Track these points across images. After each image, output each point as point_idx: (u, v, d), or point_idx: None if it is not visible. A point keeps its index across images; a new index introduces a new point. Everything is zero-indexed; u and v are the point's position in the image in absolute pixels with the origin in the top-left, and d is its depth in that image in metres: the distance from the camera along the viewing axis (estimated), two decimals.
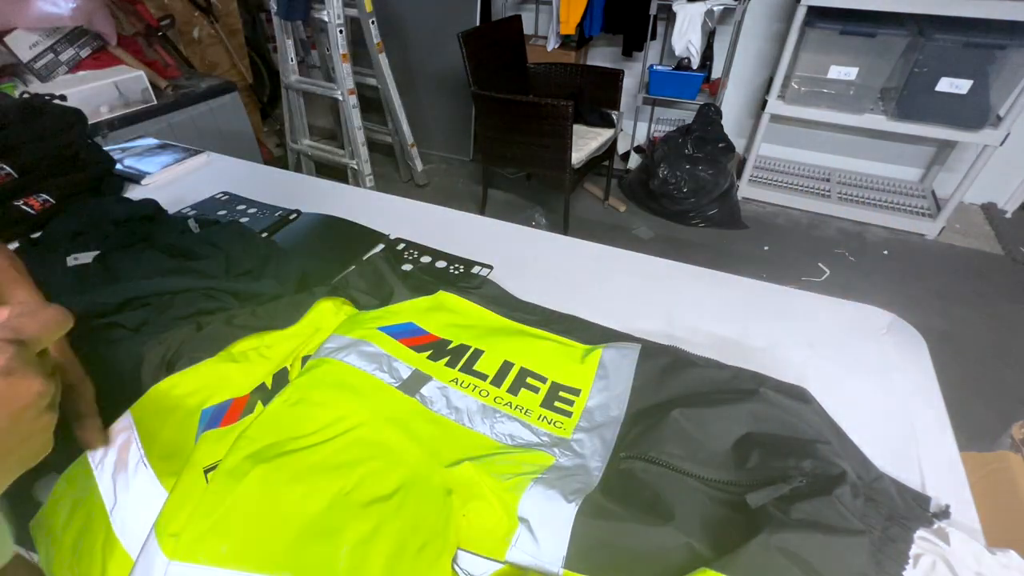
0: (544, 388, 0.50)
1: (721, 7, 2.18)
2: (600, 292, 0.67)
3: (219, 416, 0.45)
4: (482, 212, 2.29)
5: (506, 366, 0.52)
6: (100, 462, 0.40)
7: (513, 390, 0.50)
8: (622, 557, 0.34)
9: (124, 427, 0.42)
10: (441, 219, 0.83)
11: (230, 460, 0.38)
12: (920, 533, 0.34)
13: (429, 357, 0.52)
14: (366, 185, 2.31)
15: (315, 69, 2.60)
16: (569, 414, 0.48)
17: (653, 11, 2.23)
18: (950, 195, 2.08)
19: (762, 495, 0.34)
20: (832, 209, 2.30)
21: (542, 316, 0.60)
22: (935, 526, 0.36)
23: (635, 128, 2.67)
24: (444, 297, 0.60)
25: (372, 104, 2.46)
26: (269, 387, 0.48)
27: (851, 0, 1.86)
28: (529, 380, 0.51)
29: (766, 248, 2.15)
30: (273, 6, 2.03)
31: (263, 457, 0.38)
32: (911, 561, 0.33)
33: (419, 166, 2.54)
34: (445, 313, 0.58)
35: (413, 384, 0.48)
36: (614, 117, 2.14)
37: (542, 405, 0.48)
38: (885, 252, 2.11)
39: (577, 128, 1.96)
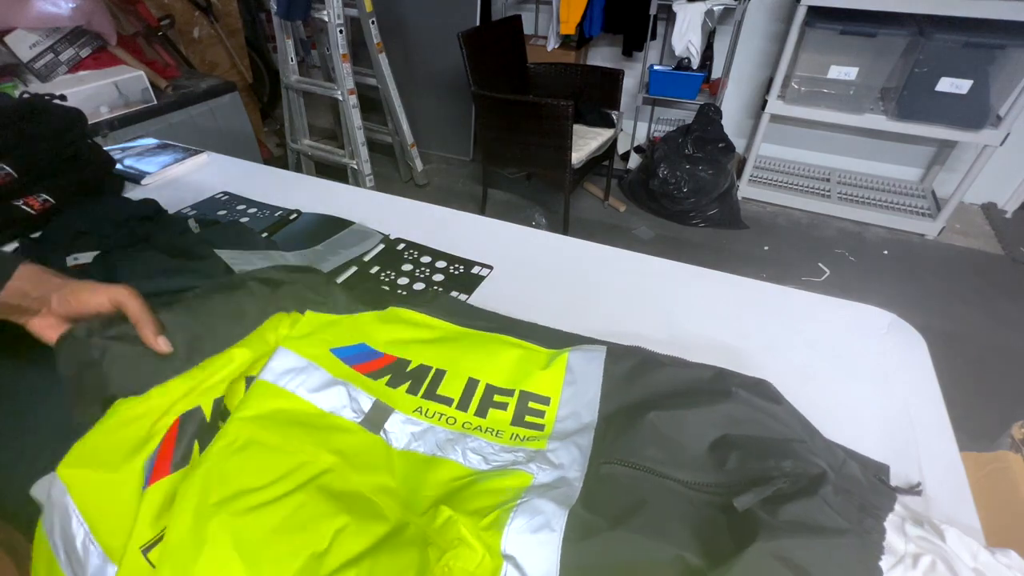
0: (512, 403, 0.47)
1: (721, 7, 2.18)
2: (600, 292, 0.67)
3: (151, 466, 0.37)
4: (482, 212, 2.29)
5: (471, 385, 0.49)
6: (57, 546, 0.34)
7: (481, 411, 0.47)
8: None
9: (59, 494, 0.35)
10: (441, 219, 0.83)
11: (174, 534, 0.31)
12: (918, 532, 0.34)
13: (388, 383, 0.48)
14: (366, 185, 2.31)
15: (315, 69, 2.60)
16: (541, 427, 0.46)
17: (653, 11, 2.22)
18: (950, 195, 2.08)
19: (748, 498, 0.34)
20: (832, 209, 2.30)
21: (501, 324, 0.57)
22: (899, 501, 0.36)
23: (635, 128, 2.67)
24: (397, 311, 0.55)
25: (372, 104, 2.46)
26: (207, 418, 0.40)
27: (851, 0, 1.86)
28: (496, 398, 0.48)
29: (766, 248, 2.15)
30: (273, 6, 2.03)
31: (215, 518, 0.32)
32: (911, 561, 0.33)
33: (419, 166, 2.54)
34: (400, 326, 0.54)
35: (376, 418, 0.44)
36: (614, 117, 2.13)
37: (512, 423, 0.46)
38: (885, 252, 2.11)
39: (577, 128, 1.96)
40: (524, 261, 0.72)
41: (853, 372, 0.54)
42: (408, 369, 0.49)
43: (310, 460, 0.38)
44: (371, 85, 2.33)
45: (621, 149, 2.64)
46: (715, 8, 2.17)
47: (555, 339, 0.55)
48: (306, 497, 0.36)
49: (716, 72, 2.44)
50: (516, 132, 1.92)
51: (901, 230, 2.22)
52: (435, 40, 2.46)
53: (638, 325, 0.60)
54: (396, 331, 0.53)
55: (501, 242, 0.77)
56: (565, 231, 2.10)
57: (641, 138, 2.77)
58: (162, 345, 0.42)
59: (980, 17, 1.73)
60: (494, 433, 0.45)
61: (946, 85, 1.88)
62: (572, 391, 0.48)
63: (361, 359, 0.49)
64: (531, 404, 0.47)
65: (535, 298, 0.64)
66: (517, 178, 2.64)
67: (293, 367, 0.45)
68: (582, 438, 0.43)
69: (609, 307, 0.63)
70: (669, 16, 2.31)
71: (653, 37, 2.37)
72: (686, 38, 2.23)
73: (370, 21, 2.09)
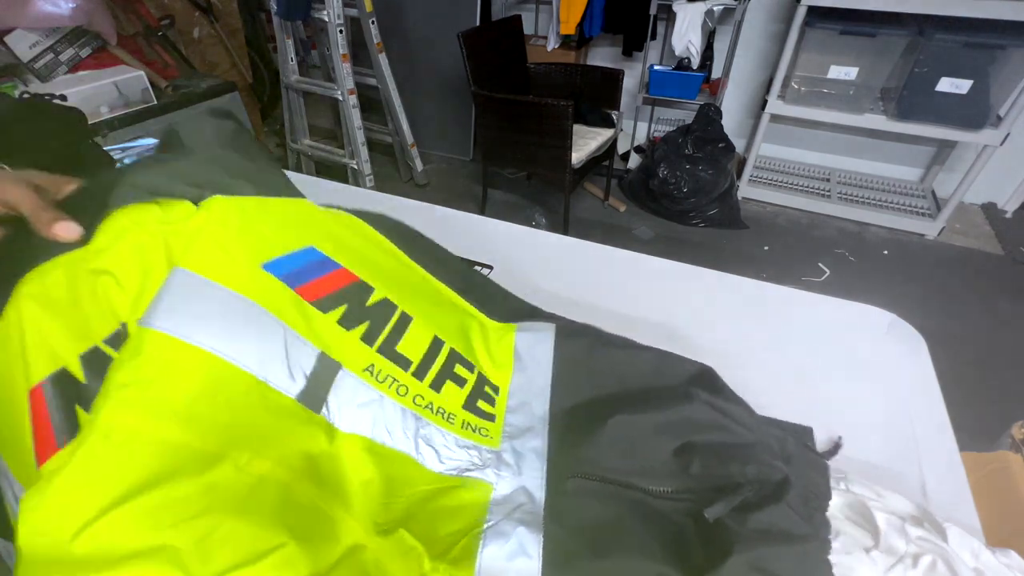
0: (471, 380, 0.39)
1: (721, 7, 2.18)
2: (600, 292, 0.67)
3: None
4: (482, 212, 2.29)
5: (435, 347, 0.37)
6: None
7: (437, 383, 0.37)
8: None
9: None
10: (441, 219, 0.83)
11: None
12: (919, 532, 0.34)
13: (342, 321, 0.33)
14: (366, 185, 2.31)
15: (315, 69, 2.60)
16: (492, 417, 0.39)
17: (653, 11, 2.23)
18: (950, 195, 2.08)
19: (718, 508, 0.34)
20: (832, 209, 2.30)
21: (459, 273, 0.47)
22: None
23: (635, 128, 2.67)
24: (352, 218, 0.40)
25: (372, 104, 2.46)
26: (82, 379, 0.27)
27: (851, 0, 1.86)
28: (458, 369, 0.38)
29: (766, 248, 2.15)
30: (273, 6, 2.03)
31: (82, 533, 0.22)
32: (911, 560, 0.33)
33: (419, 166, 2.54)
34: (358, 238, 0.39)
35: (319, 385, 0.31)
36: (614, 117, 2.14)
37: (465, 407, 0.38)
38: (885, 252, 2.12)
39: (577, 128, 1.96)
40: (524, 261, 0.72)
41: (853, 372, 0.54)
42: (368, 302, 0.35)
43: (236, 462, 0.26)
44: (371, 85, 2.34)
45: (621, 149, 2.64)
46: (715, 8, 2.17)
47: (507, 307, 0.48)
48: (222, 514, 0.24)
49: (716, 72, 2.44)
50: (516, 132, 1.92)
51: (901, 230, 2.22)
52: (435, 40, 2.46)
53: (638, 325, 0.59)
54: (355, 241, 0.38)
55: (501, 242, 0.77)
56: (565, 231, 2.10)
57: (641, 138, 2.77)
58: (61, 231, 0.30)
59: (980, 17, 1.73)
60: (445, 416, 0.37)
61: (946, 85, 1.88)
62: (521, 379, 0.42)
63: (307, 274, 0.33)
64: (486, 388, 0.41)
65: (535, 298, 0.64)
66: (517, 178, 2.64)
67: (198, 303, 0.28)
68: (535, 438, 0.39)
69: (609, 307, 0.63)
70: (669, 16, 2.31)
71: (653, 37, 2.37)
72: (686, 38, 2.23)
73: (370, 21, 2.09)
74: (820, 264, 2.04)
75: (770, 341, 0.58)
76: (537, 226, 2.28)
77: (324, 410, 0.31)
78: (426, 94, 2.66)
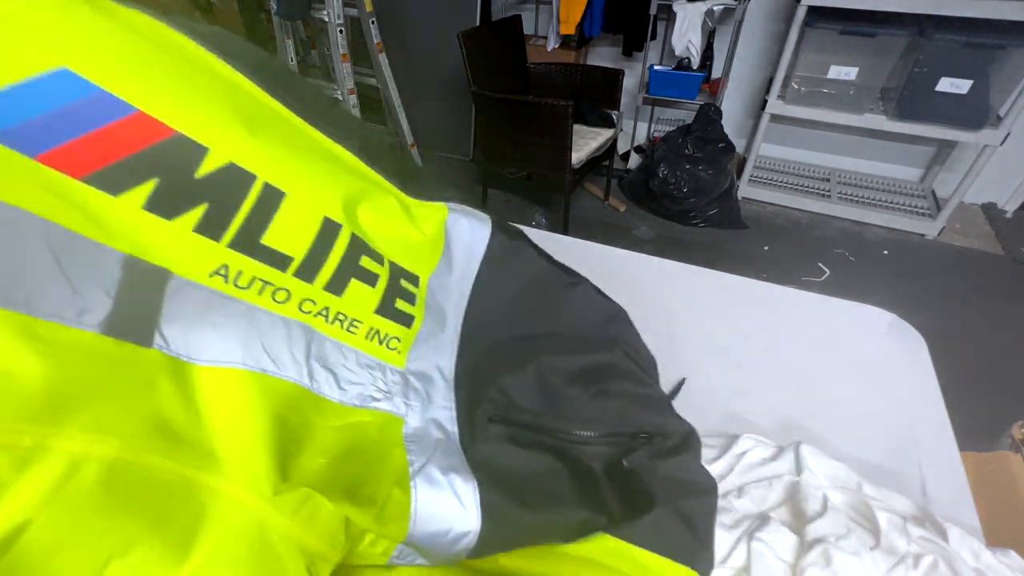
0: (384, 276, 0.29)
1: (721, 7, 2.18)
2: None
3: None
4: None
5: (328, 232, 0.26)
6: None
7: (336, 285, 0.27)
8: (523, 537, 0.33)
9: None
10: None
11: None
12: (920, 532, 0.34)
13: (150, 205, 0.20)
14: None
15: (315, 69, 2.60)
16: (410, 321, 0.31)
17: (653, 11, 2.23)
18: (950, 195, 2.08)
19: (638, 456, 0.36)
20: (832, 209, 2.30)
21: (356, 134, 0.31)
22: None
23: (635, 128, 2.67)
24: (141, 16, 0.22)
25: (372, 104, 2.46)
26: None
27: (851, 0, 1.86)
28: (365, 262, 0.28)
29: (766, 248, 2.15)
30: (273, 6, 2.03)
31: None
32: (912, 560, 0.33)
33: (419, 166, 2.54)
34: (155, 50, 0.21)
35: (138, 306, 0.20)
36: (614, 117, 2.13)
37: (378, 311, 0.29)
38: (885, 252, 2.11)
39: (577, 128, 1.96)
40: None
41: (853, 372, 0.54)
42: (200, 172, 0.22)
43: (11, 454, 0.17)
44: (371, 85, 2.33)
45: (621, 149, 2.64)
46: (715, 8, 2.17)
47: (424, 182, 0.36)
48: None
49: (716, 72, 2.44)
50: (516, 132, 1.92)
51: (901, 230, 2.22)
52: (435, 40, 2.46)
53: (637, 325, 0.59)
54: (168, 63, 0.21)
55: None
56: (565, 231, 2.10)
57: (641, 138, 2.76)
58: None
59: (980, 17, 1.73)
60: (346, 325, 0.28)
61: (946, 85, 1.88)
62: (444, 270, 0.35)
63: (63, 126, 0.18)
64: (403, 283, 0.31)
65: None
66: (517, 178, 2.64)
67: None
68: (443, 354, 0.35)
69: None
70: (669, 16, 2.31)
71: (653, 37, 2.37)
72: (686, 38, 2.23)
73: (370, 21, 2.09)
74: (820, 264, 2.04)
75: (770, 341, 0.58)
76: (537, 226, 2.28)
77: (158, 339, 0.21)
78: (426, 94, 2.66)
